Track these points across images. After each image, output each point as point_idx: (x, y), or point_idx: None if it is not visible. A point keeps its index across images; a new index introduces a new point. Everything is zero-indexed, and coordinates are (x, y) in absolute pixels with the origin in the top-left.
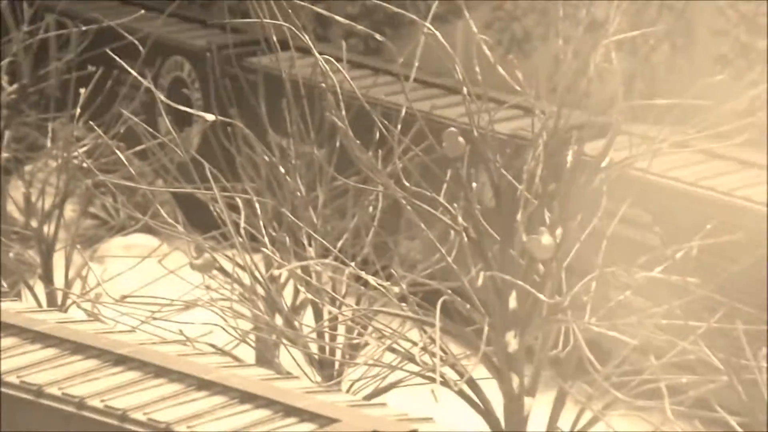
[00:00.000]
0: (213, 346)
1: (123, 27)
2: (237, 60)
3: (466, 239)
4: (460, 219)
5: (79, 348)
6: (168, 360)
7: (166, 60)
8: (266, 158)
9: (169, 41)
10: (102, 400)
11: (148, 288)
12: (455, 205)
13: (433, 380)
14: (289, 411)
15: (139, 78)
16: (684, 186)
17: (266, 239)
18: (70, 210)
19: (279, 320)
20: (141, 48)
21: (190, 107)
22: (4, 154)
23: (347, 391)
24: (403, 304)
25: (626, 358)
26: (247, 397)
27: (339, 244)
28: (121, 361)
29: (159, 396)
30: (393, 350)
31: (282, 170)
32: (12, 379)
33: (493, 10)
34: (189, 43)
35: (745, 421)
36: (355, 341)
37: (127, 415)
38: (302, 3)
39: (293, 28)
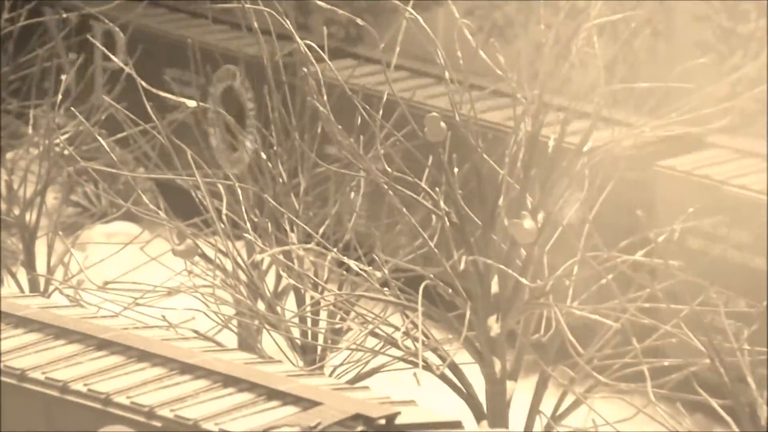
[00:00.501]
0: (195, 331)
1: (168, 34)
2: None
3: (448, 224)
4: (442, 204)
5: (62, 333)
6: (151, 344)
7: (216, 68)
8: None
9: (219, 49)
10: (85, 384)
11: (131, 275)
12: (437, 189)
13: (415, 364)
14: (272, 394)
15: (122, 66)
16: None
17: (248, 225)
18: (52, 197)
19: (261, 306)
20: (121, 35)
21: (243, 117)
22: None
23: (330, 376)
24: (386, 289)
25: (608, 341)
26: (230, 381)
27: (321, 230)
28: (104, 345)
29: (142, 380)
30: (375, 335)
31: (263, 156)
32: None
33: None
34: (242, 51)
35: (727, 403)
36: (337, 326)
37: (111, 398)
38: None
39: (274, 13)
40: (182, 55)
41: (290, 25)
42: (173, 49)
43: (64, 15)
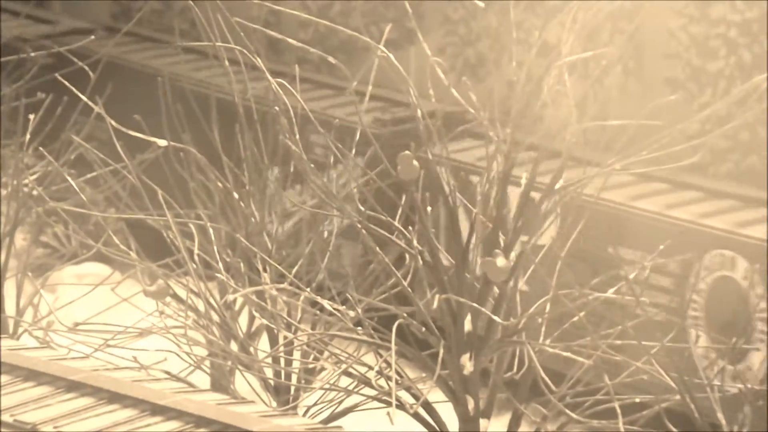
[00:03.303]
0: (167, 372)
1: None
2: None
3: (421, 263)
4: (415, 242)
5: (31, 375)
6: (122, 386)
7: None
8: (220, 184)
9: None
10: (55, 427)
11: (102, 316)
12: (410, 228)
13: (389, 403)
14: None
15: (89, 103)
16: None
17: (220, 265)
18: (21, 238)
19: (234, 346)
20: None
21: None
22: None
23: (304, 416)
24: (359, 329)
25: (580, 378)
26: (202, 422)
27: (294, 270)
28: (74, 387)
29: (113, 422)
30: (349, 374)
31: (236, 196)
32: None
33: (445, 35)
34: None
35: None
36: (311, 366)
37: None
38: (255, 26)
39: (245, 52)
40: (154, 94)
41: (261, 63)
42: (145, 87)
43: (32, 54)
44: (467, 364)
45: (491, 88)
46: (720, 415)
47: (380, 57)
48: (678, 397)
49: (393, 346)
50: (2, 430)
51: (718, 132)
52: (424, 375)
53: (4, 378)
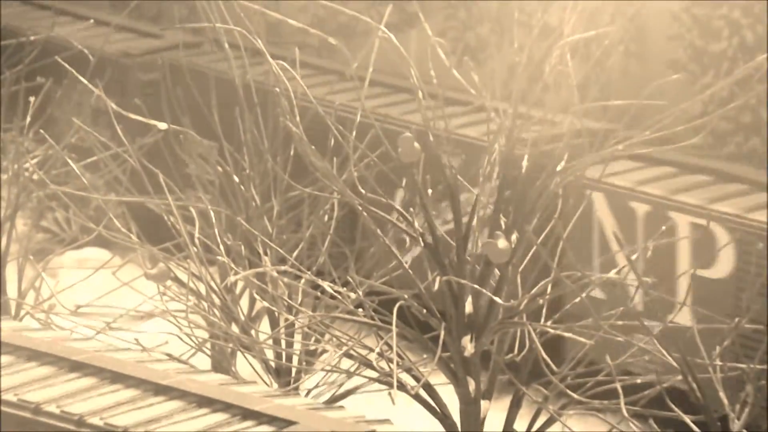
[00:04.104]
0: (169, 355)
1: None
2: None
3: (422, 245)
4: (416, 224)
5: (34, 355)
6: (124, 366)
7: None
8: (220, 168)
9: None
10: (58, 406)
11: (103, 299)
12: (411, 210)
13: (390, 385)
14: (247, 414)
15: (90, 86)
16: None
17: (221, 249)
18: (21, 224)
19: (235, 329)
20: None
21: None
22: None
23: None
24: (360, 310)
25: (582, 359)
26: (204, 402)
27: (295, 253)
28: (77, 367)
29: (116, 401)
30: (350, 356)
31: (236, 180)
32: None
33: (446, 19)
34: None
35: (700, 418)
36: (312, 348)
37: (84, 420)
38: (254, 6)
39: (245, 32)
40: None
41: (261, 45)
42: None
43: (32, 37)
44: (468, 346)
45: (493, 71)
46: (722, 395)
47: (381, 38)
48: (680, 377)
49: (394, 329)
50: (6, 409)
51: (720, 112)
52: (425, 357)
53: (8, 358)
